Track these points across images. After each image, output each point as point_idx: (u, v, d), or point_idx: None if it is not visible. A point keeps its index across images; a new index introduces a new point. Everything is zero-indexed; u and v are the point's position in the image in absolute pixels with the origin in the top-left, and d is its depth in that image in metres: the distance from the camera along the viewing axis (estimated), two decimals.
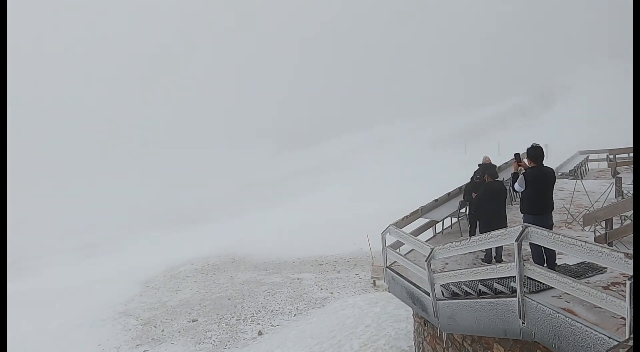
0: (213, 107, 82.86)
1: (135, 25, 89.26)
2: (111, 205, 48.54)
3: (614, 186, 10.94)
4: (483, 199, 7.89)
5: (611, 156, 17.34)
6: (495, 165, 9.93)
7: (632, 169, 15.64)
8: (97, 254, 33.45)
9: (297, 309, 17.01)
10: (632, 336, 3.72)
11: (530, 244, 5.28)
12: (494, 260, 7.53)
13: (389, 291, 8.92)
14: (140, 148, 68.53)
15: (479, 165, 10.02)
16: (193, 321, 17.19)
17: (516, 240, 4.83)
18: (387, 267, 8.57)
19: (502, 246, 7.23)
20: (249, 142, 73.62)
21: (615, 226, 7.61)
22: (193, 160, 65.05)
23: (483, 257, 7.84)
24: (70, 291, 23.61)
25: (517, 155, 6.87)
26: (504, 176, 12.04)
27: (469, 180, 9.86)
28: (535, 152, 6.27)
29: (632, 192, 10.00)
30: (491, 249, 7.41)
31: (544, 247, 5.52)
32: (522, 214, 6.38)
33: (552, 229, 5.69)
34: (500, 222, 7.51)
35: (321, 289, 18.91)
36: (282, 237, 28.63)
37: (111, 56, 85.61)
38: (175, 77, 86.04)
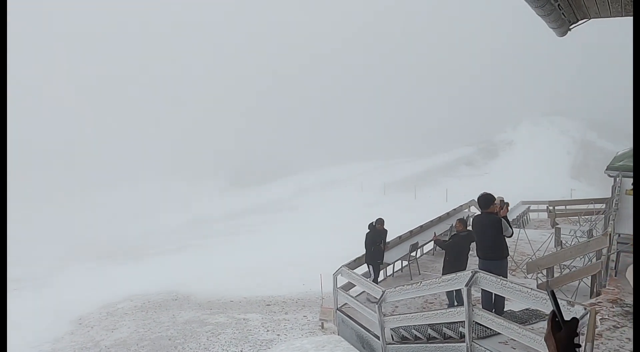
0: (163, 138, 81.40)
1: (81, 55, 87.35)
2: (43, 236, 45.39)
3: (554, 236, 11.54)
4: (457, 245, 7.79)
5: (550, 207, 18.29)
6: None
7: (568, 220, 16.59)
8: (24, 289, 30.77)
9: (241, 351, 16.33)
10: None
11: (482, 289, 5.43)
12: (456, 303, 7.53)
13: (338, 334, 8.79)
14: (79, 175, 65.43)
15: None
16: None
17: (466, 285, 4.94)
18: (337, 309, 8.48)
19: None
20: (198, 176, 72.24)
21: (555, 274, 7.98)
22: (138, 192, 62.80)
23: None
24: None
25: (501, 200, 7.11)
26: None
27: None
28: (480, 199, 6.65)
29: (570, 242, 10.57)
30: (453, 294, 7.47)
31: (494, 293, 5.69)
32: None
33: (506, 275, 5.89)
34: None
35: (267, 331, 18.30)
36: (229, 275, 27.69)
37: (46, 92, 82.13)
38: (123, 107, 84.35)
